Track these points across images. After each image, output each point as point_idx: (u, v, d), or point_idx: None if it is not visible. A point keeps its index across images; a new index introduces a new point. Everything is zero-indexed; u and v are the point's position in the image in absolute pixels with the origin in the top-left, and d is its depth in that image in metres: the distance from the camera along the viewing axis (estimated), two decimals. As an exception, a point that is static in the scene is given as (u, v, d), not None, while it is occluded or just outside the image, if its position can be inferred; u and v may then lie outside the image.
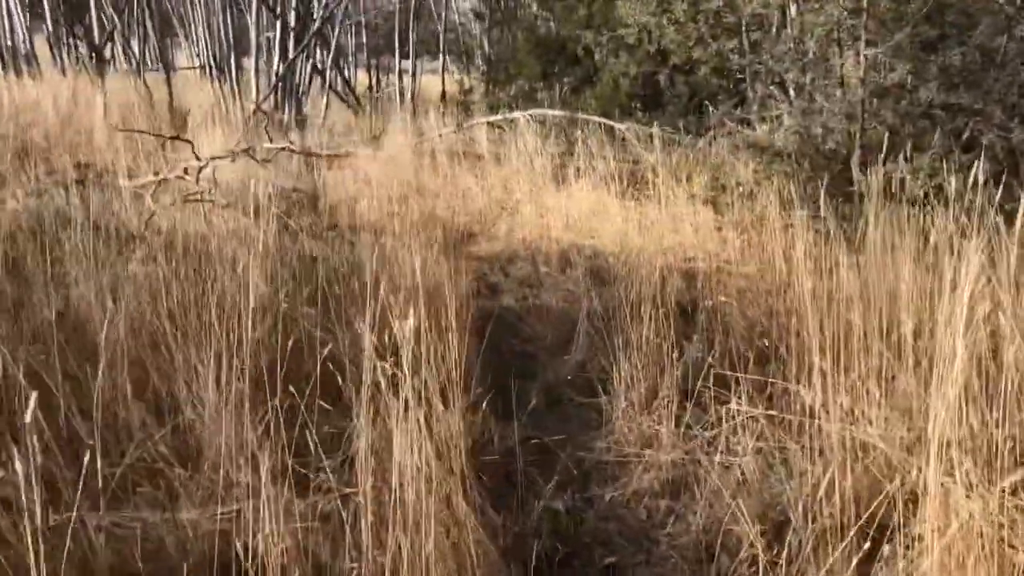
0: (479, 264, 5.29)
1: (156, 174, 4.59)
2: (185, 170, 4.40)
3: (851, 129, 5.20)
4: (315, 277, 3.50)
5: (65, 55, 11.31)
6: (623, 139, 7.31)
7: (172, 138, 4.61)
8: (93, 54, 9.41)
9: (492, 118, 7.97)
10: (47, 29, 11.21)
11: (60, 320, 3.02)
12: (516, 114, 7.56)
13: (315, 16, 10.47)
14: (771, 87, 6.24)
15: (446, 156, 7.57)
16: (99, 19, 10.06)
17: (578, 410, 3.43)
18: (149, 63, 13.21)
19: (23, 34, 9.80)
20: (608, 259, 4.81)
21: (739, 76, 7.17)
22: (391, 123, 8.40)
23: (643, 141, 7.16)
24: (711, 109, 6.34)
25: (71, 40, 11.87)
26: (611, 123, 7.38)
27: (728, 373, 3.16)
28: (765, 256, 4.80)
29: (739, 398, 2.90)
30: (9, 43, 9.63)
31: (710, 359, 3.05)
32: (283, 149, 5.05)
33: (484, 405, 3.16)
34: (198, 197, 3.93)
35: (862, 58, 5.11)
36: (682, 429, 3.02)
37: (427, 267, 3.93)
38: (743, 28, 6.47)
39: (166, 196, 4.63)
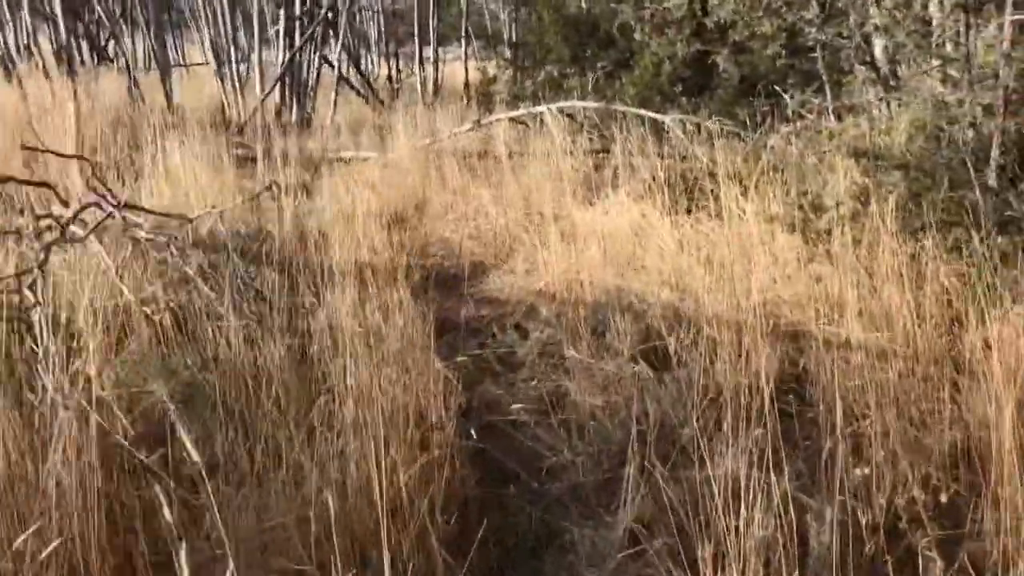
0: (489, 313, 3.77)
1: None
2: (53, 220, 2.81)
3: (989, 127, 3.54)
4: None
5: (74, 54, 9.93)
6: (668, 132, 5.71)
7: (32, 183, 3.02)
8: (61, 52, 7.98)
9: (513, 113, 6.40)
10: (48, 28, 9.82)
11: None
12: (541, 108, 5.97)
13: (322, 4, 8.96)
14: (861, 67, 4.58)
15: (460, 159, 6.02)
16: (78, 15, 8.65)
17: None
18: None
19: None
20: (663, 315, 3.25)
21: (811, 54, 5.51)
22: (401, 120, 6.84)
23: (690, 133, 5.55)
24: (787, 96, 4.69)
25: (72, 38, 10.46)
26: (653, 115, 5.76)
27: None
28: (881, 306, 3.20)
29: None
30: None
31: None
32: (147, 214, 3.17)
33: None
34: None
35: (1006, 29, 3.43)
36: None
37: (398, 363, 2.42)
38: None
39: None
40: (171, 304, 2.59)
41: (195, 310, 2.56)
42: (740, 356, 2.77)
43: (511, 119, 6.55)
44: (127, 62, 8.48)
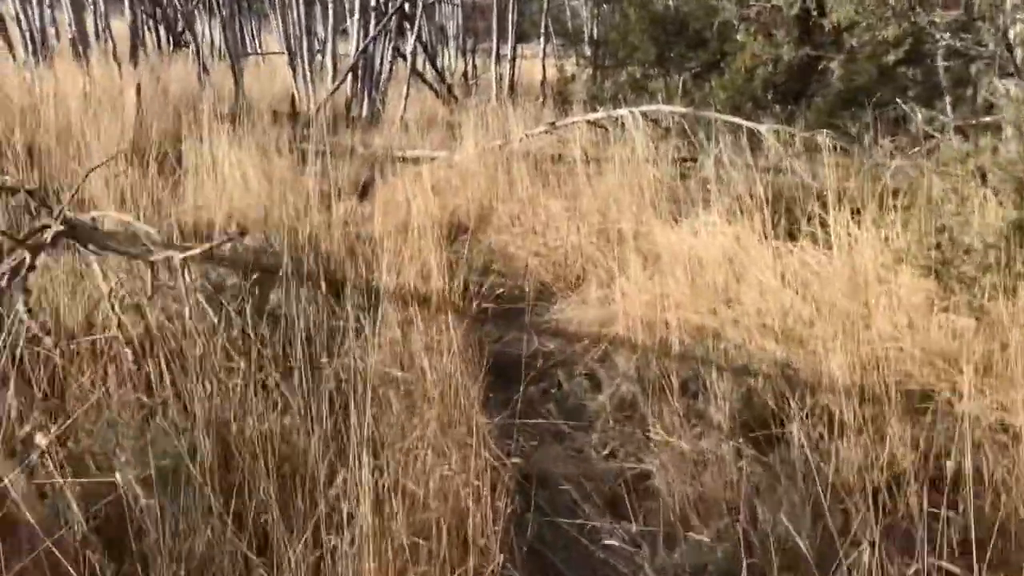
0: (555, 351, 3.17)
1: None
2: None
3: None
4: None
5: (144, 39, 9.66)
6: (764, 142, 5.03)
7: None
8: (130, 42, 7.63)
9: (592, 116, 5.78)
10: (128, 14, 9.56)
11: None
12: (622, 111, 5.34)
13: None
14: (1003, 80, 3.85)
15: (531, 164, 5.43)
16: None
17: None
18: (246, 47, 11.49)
19: (70, 16, 8.09)
20: (766, 372, 2.62)
21: (932, 64, 4.79)
22: (472, 119, 6.27)
23: (784, 144, 4.89)
24: (915, 111, 3.96)
25: (147, 23, 10.22)
26: (747, 123, 5.09)
27: None
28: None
29: None
30: (37, 26, 7.94)
31: None
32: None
33: None
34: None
35: None
36: None
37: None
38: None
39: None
40: (161, 338, 2.08)
41: (184, 354, 2.05)
42: (874, 441, 2.13)
43: (589, 122, 5.94)
44: (198, 49, 8.11)
